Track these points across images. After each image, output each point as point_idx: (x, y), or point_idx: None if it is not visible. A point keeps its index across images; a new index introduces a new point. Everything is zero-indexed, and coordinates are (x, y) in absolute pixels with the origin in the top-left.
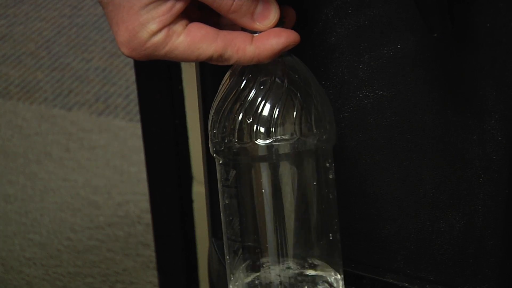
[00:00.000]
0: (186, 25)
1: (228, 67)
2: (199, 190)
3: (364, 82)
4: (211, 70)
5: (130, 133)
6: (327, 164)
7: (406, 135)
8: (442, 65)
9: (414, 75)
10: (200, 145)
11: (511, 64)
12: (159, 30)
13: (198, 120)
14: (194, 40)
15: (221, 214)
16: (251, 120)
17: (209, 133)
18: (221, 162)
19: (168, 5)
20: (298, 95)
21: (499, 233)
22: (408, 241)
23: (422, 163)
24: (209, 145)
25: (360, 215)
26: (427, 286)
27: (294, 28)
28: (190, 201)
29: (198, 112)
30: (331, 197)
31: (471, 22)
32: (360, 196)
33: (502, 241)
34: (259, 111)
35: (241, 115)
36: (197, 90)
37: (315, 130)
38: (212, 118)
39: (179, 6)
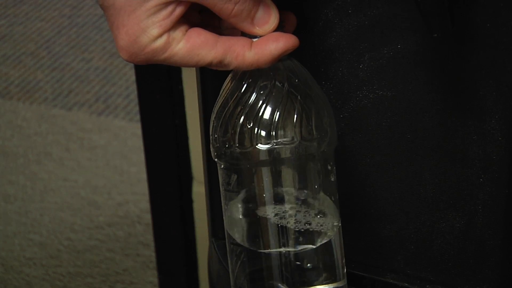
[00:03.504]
0: (186, 31)
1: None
2: (199, 190)
3: (364, 82)
4: (211, 70)
5: (130, 133)
6: (328, 167)
7: (406, 135)
8: (442, 65)
9: (414, 75)
10: (200, 145)
11: (511, 64)
12: (160, 35)
13: (198, 120)
14: (194, 46)
15: (223, 218)
16: (251, 125)
17: (210, 138)
18: (222, 166)
19: (169, 9)
20: (299, 98)
21: (499, 233)
22: (408, 241)
23: (422, 163)
24: (211, 149)
25: (360, 215)
26: (427, 286)
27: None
28: (190, 201)
29: (198, 112)
30: (332, 199)
31: (471, 22)
32: (360, 196)
33: (502, 241)
34: (260, 115)
35: (241, 119)
36: (197, 90)
37: (315, 134)
38: (213, 123)
39: (179, 10)
